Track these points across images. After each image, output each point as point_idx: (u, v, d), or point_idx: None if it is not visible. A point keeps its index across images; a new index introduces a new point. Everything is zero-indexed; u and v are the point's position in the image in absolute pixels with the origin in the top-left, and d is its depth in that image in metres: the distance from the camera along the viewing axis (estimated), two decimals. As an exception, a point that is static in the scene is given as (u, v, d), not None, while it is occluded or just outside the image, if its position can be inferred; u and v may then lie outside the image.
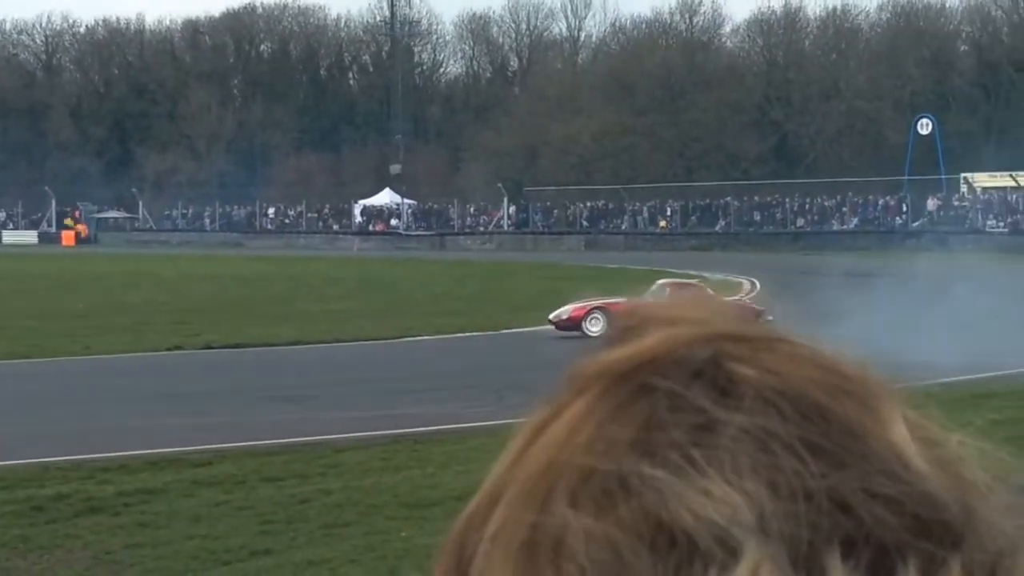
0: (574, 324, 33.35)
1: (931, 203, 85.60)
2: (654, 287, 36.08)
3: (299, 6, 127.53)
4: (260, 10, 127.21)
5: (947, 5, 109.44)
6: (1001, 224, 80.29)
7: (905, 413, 0.70)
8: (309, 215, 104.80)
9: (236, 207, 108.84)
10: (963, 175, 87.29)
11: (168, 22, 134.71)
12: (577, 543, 0.65)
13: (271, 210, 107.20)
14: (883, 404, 0.70)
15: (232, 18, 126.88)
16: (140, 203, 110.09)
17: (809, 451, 0.66)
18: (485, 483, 0.72)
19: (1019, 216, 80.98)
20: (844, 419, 0.68)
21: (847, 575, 0.65)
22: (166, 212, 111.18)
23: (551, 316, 34.19)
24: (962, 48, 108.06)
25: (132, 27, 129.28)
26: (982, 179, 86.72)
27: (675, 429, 0.67)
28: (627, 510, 0.65)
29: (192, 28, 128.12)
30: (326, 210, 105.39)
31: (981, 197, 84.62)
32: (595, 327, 33.12)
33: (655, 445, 0.66)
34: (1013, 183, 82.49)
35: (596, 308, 34.00)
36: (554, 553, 0.66)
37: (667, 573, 0.64)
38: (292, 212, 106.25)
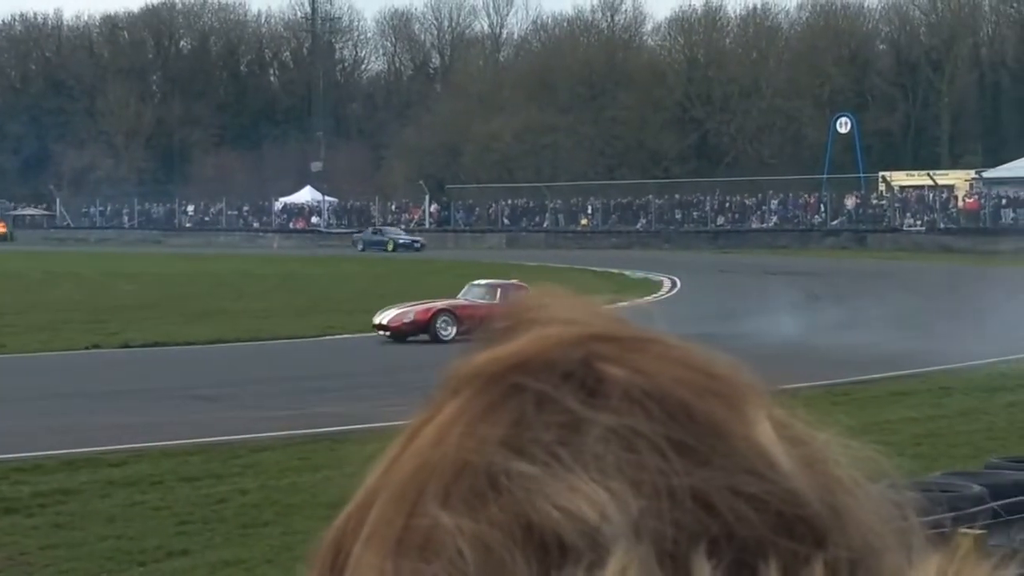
0: (420, 327, 32.56)
1: (849, 201, 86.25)
2: (466, 288, 35.34)
3: (219, 2, 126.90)
4: (179, 6, 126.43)
5: (866, 5, 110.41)
6: (918, 223, 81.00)
7: (772, 412, 0.71)
8: (229, 212, 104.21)
9: (155, 204, 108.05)
10: (881, 174, 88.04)
11: (86, 17, 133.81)
12: (448, 542, 0.66)
13: (190, 207, 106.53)
14: (749, 404, 0.70)
15: (151, 14, 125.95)
16: (57, 200, 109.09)
17: (674, 450, 0.67)
18: (361, 487, 0.72)
19: (936, 215, 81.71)
20: (710, 418, 0.68)
21: (711, 574, 0.65)
22: (84, 209, 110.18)
23: (380, 319, 32.96)
24: (881, 47, 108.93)
25: (49, 22, 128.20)
26: (900, 178, 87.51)
27: (542, 429, 0.68)
28: (497, 508, 0.66)
29: (110, 24, 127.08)
30: (246, 208, 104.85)
31: (899, 196, 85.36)
32: (447, 331, 32.46)
33: (523, 444, 0.67)
34: (931, 182, 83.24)
35: (443, 310, 33.30)
36: (425, 553, 0.66)
37: (539, 571, 0.65)
38: (212, 209, 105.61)
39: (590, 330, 0.72)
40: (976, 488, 10.45)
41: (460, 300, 34.36)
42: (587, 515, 0.65)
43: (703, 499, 0.66)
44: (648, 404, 0.68)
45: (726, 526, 0.66)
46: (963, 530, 8.68)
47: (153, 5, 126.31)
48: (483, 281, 36.29)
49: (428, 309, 33.22)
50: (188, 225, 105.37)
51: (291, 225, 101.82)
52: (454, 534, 0.66)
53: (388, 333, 32.33)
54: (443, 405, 0.71)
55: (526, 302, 0.76)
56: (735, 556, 0.65)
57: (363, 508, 0.71)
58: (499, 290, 34.30)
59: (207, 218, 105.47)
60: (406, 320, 32.67)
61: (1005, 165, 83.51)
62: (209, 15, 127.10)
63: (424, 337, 32.15)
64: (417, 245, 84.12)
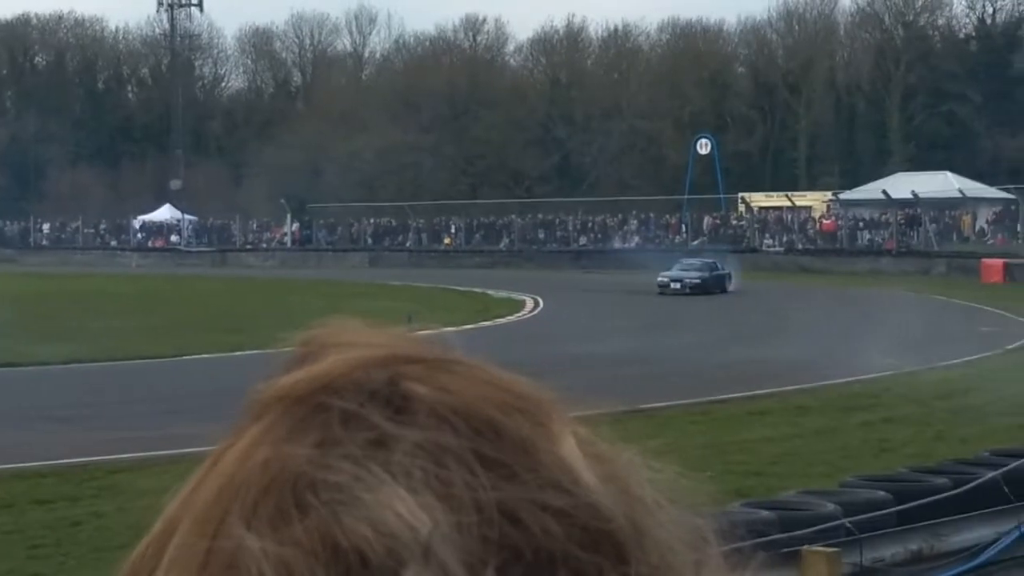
0: None
1: (706, 222, 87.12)
2: None
3: (76, 18, 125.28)
4: (35, 21, 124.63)
5: (725, 28, 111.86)
6: (777, 243, 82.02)
7: (576, 430, 0.72)
8: (86, 231, 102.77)
9: (9, 222, 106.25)
10: (741, 195, 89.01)
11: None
12: (252, 565, 0.65)
13: (46, 226, 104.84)
14: (554, 421, 0.71)
15: (5, 29, 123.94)
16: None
17: (481, 464, 0.67)
18: (161, 515, 0.71)
19: (795, 236, 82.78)
20: (516, 434, 0.69)
21: None
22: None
23: None
24: (740, 70, 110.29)
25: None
26: (759, 199, 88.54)
27: (349, 445, 0.68)
28: (301, 528, 0.66)
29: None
30: (103, 226, 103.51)
31: (758, 217, 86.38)
32: None
33: (329, 462, 0.67)
34: (788, 203, 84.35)
35: None
36: None
37: None
38: (69, 228, 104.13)
39: (396, 351, 0.72)
40: (830, 506, 10.55)
41: None
42: (394, 529, 0.65)
43: (509, 513, 0.67)
44: (455, 420, 0.69)
45: (531, 540, 0.66)
46: (817, 548, 8.77)
47: (7, 20, 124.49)
48: None
49: None
50: (44, 243, 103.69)
51: (150, 244, 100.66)
52: (258, 557, 0.65)
53: None
54: (246, 429, 0.71)
55: (328, 328, 0.76)
56: (538, 569, 0.66)
57: (164, 535, 0.70)
58: None
59: (63, 236, 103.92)
60: None
61: (861, 187, 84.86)
62: (65, 31, 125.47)
63: None
64: (694, 280, 57.01)
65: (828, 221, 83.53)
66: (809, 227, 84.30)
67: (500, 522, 0.66)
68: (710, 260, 60.86)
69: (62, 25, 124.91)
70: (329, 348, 0.73)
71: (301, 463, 0.68)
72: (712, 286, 56.29)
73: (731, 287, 57.03)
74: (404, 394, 0.70)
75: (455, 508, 0.66)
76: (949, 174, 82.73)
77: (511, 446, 0.69)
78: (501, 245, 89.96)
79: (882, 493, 11.15)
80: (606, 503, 0.68)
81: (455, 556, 0.65)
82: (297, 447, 0.68)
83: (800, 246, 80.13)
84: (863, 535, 10.00)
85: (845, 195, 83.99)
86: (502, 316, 45.39)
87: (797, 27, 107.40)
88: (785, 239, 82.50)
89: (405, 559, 0.65)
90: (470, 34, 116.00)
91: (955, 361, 29.50)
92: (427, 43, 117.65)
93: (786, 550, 8.78)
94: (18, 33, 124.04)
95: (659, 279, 57.07)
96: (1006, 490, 11.13)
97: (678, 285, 56.22)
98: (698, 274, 57.82)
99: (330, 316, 0.76)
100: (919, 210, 77.13)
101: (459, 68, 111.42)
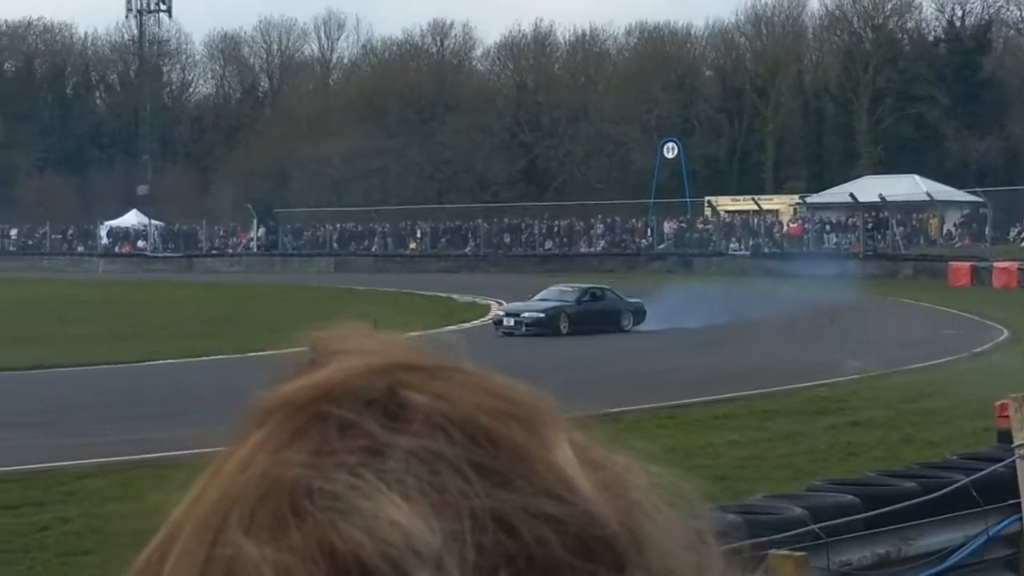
0: None
1: (668, 226, 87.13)
2: None
3: (44, 24, 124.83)
4: (3, 27, 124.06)
5: (692, 31, 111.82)
6: (743, 247, 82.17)
7: (571, 437, 0.72)
8: (53, 236, 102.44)
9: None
10: (707, 199, 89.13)
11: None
12: (251, 571, 0.66)
13: (13, 231, 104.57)
14: (549, 428, 0.72)
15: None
16: None
17: (475, 472, 0.68)
18: (166, 522, 0.73)
19: (761, 239, 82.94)
20: (510, 442, 0.70)
21: None
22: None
23: None
24: (707, 73, 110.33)
25: None
26: (725, 203, 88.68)
27: (345, 453, 0.69)
28: (299, 535, 0.66)
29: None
30: (71, 232, 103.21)
31: (724, 220, 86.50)
32: None
33: (325, 469, 0.68)
34: (755, 207, 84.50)
35: None
36: None
37: None
38: (36, 234, 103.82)
39: (394, 359, 0.73)
40: (797, 510, 10.55)
41: None
42: (390, 537, 0.66)
43: (503, 521, 0.67)
44: (449, 428, 0.69)
45: (525, 548, 0.66)
46: (785, 552, 8.76)
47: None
48: None
49: None
50: (11, 249, 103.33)
51: (117, 249, 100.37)
52: (257, 563, 0.66)
53: None
54: (248, 436, 0.73)
55: (331, 335, 0.77)
56: None
57: (167, 542, 0.71)
58: None
59: (31, 242, 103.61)
60: None
61: (828, 190, 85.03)
62: (34, 37, 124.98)
63: None
64: (536, 316, 41.26)
65: (795, 225, 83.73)
66: (775, 231, 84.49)
67: (494, 530, 0.66)
68: (594, 287, 45.49)
69: (31, 31, 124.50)
70: (333, 355, 0.74)
71: (298, 471, 0.69)
72: (580, 323, 40.99)
73: (633, 325, 42.64)
74: (401, 402, 0.71)
75: (449, 515, 0.66)
76: (917, 177, 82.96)
77: (506, 454, 0.69)
78: (466, 249, 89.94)
79: (850, 497, 11.15)
80: (601, 510, 0.68)
81: (455, 565, 0.65)
82: (295, 454, 0.69)
83: (766, 250, 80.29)
84: (830, 539, 10.01)
85: (812, 198, 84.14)
86: (467, 321, 45.32)
87: (765, 30, 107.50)
88: (751, 243, 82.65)
89: (402, 566, 0.65)
90: (438, 39, 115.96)
91: (922, 364, 29.59)
92: (395, 48, 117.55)
93: (735, 556, 8.77)
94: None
95: (495, 313, 44.41)
96: (975, 494, 11.14)
97: (511, 322, 41.20)
98: (550, 305, 42.20)
99: (336, 320, 0.76)
100: (886, 213, 77.38)
101: (426, 73, 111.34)
